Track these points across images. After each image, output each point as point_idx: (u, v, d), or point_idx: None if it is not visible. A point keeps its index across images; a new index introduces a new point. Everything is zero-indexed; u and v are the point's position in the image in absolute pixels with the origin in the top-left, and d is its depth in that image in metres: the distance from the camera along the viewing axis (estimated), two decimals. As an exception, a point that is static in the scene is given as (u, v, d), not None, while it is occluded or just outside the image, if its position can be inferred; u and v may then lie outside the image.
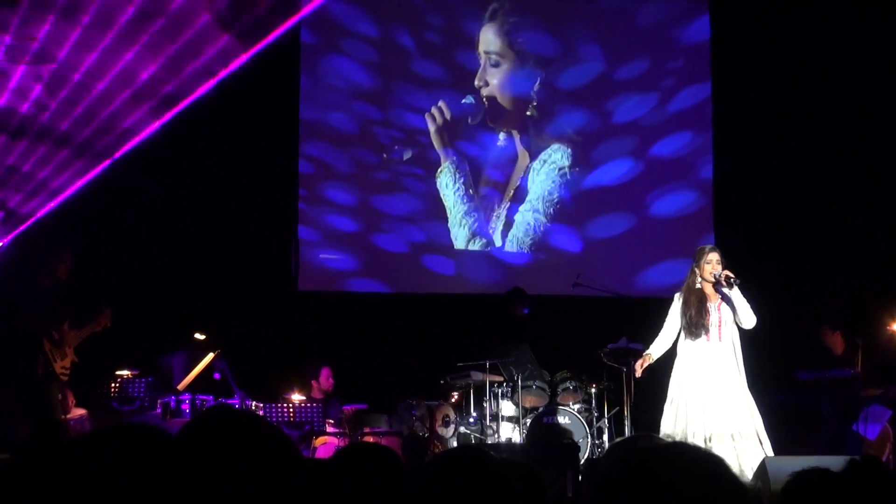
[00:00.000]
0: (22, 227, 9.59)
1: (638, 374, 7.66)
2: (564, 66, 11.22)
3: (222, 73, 9.67)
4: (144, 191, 9.88)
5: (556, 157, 11.16)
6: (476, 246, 10.97)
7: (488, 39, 11.13)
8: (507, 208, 11.06)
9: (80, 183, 9.63)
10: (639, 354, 8.88)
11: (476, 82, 11.07)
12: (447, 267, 10.94)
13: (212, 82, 9.66)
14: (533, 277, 10.65)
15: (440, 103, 10.93)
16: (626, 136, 11.23)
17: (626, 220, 11.19)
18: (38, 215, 9.62)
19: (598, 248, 11.09)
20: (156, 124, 9.66)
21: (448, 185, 10.91)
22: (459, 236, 10.94)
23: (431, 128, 10.91)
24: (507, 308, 9.93)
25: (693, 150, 11.20)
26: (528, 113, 11.16)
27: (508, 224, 11.04)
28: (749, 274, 7.49)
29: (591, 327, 9.75)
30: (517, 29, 11.14)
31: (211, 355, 8.69)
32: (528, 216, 11.08)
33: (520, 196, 11.08)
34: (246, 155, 10.34)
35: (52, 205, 9.60)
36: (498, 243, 10.99)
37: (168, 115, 9.67)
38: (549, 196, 11.09)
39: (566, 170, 11.13)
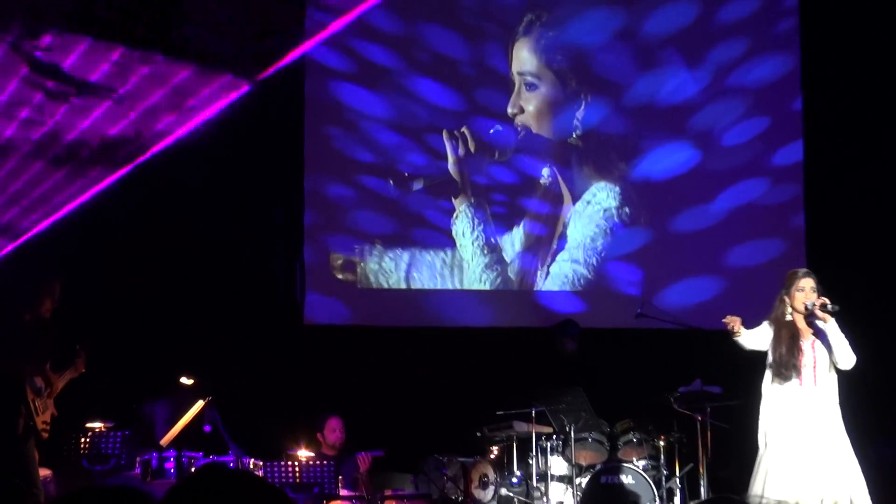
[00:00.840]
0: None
1: (736, 327, 7.40)
2: (615, 88, 11.18)
3: (227, 98, 10.23)
4: (126, 214, 10.14)
5: (601, 196, 11.15)
6: (512, 286, 11.03)
7: (522, 58, 11.15)
8: (550, 255, 11.06)
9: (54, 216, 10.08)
10: (717, 399, 8.86)
11: (509, 109, 11.10)
12: (476, 306, 11.01)
13: (215, 108, 10.20)
14: (587, 309, 10.71)
15: (463, 129, 11.00)
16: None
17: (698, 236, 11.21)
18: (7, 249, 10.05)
19: (667, 267, 11.06)
20: (155, 148, 10.19)
21: (465, 234, 10.99)
22: (486, 279, 11.01)
23: (451, 159, 10.98)
24: (555, 344, 9.94)
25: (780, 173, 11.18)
26: (570, 144, 11.15)
27: (551, 272, 11.05)
28: (843, 305, 7.37)
29: (659, 367, 9.77)
30: (556, 45, 11.13)
31: (200, 403, 8.69)
32: (566, 267, 11.05)
33: (562, 244, 11.08)
34: (242, 172, 10.58)
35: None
36: (539, 286, 11.05)
37: (160, 145, 10.22)
38: (591, 244, 11.07)
39: (613, 212, 11.09)
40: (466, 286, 10.97)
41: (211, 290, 10.46)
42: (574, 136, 11.15)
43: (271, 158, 10.73)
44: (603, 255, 11.05)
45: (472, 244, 10.97)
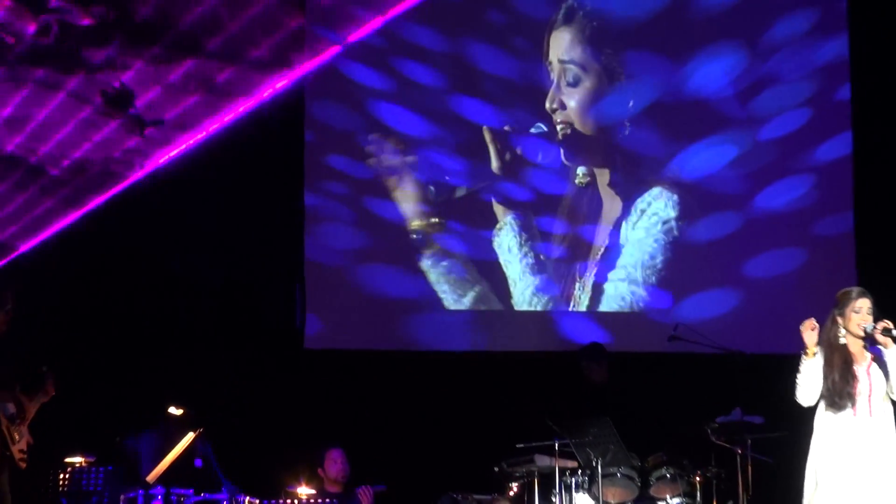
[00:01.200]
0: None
1: (812, 345, 7.23)
2: (669, 82, 11.12)
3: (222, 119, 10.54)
4: (113, 233, 10.30)
5: (659, 206, 11.09)
6: (540, 307, 11.00)
7: (561, 47, 11.05)
8: (593, 273, 11.00)
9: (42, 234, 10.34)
10: (759, 430, 8.78)
11: (548, 104, 11.00)
12: (500, 326, 11.01)
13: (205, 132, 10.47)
14: (617, 332, 10.71)
15: (506, 128, 10.96)
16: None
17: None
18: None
19: (691, 278, 11.06)
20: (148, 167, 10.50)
21: (512, 249, 10.92)
22: (520, 298, 10.99)
23: (495, 164, 10.91)
24: (580, 371, 9.84)
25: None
26: (618, 143, 11.08)
27: (596, 293, 11.02)
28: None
29: (694, 395, 9.79)
30: (603, 35, 11.07)
31: (191, 436, 8.67)
32: (623, 287, 11.01)
33: (609, 257, 11.02)
34: (240, 188, 10.63)
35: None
36: (580, 307, 11.02)
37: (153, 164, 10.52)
38: (650, 261, 11.02)
39: (672, 223, 11.04)
40: (517, 307, 10.95)
41: (202, 312, 10.46)
42: (624, 132, 11.08)
43: (269, 175, 10.76)
44: (663, 273, 11.00)
45: (520, 261, 10.94)
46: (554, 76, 11.02)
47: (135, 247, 10.39)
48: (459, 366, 10.70)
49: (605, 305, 10.98)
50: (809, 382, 7.25)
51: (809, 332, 7.14)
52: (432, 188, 10.94)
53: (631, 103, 11.06)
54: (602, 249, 11.05)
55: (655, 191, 11.08)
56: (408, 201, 10.90)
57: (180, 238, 10.45)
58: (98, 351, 9.99)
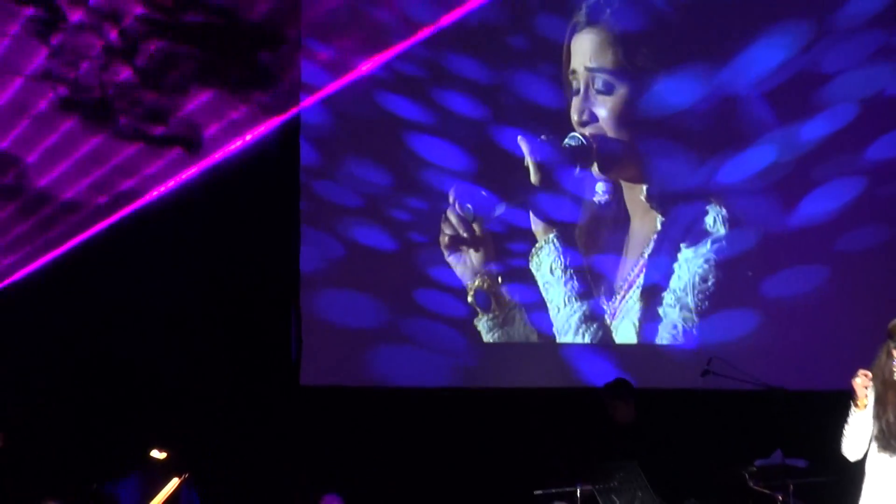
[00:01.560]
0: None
1: (863, 397, 7.09)
2: (714, 83, 10.97)
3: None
4: (91, 269, 10.45)
5: (709, 221, 10.97)
6: (580, 338, 10.95)
7: (587, 52, 10.90)
8: (633, 298, 10.94)
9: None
10: (802, 475, 8.95)
11: (575, 116, 10.88)
12: (518, 362, 10.94)
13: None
14: (644, 367, 10.63)
15: (542, 138, 10.88)
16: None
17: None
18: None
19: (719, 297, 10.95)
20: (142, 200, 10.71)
21: (554, 271, 10.87)
22: (562, 328, 10.94)
23: (534, 176, 10.81)
24: (606, 408, 9.74)
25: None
26: (656, 152, 10.94)
27: (640, 318, 10.95)
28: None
29: (730, 436, 9.81)
30: (633, 34, 10.93)
31: (175, 481, 8.73)
32: (674, 314, 10.92)
33: (650, 279, 10.93)
34: (232, 220, 10.79)
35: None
36: (615, 337, 10.97)
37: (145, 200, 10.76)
38: (701, 284, 10.90)
39: (723, 241, 10.91)
40: (561, 339, 10.89)
41: (188, 345, 10.44)
42: (661, 140, 10.94)
43: (265, 209, 10.87)
44: (717, 298, 10.88)
45: (563, 284, 10.89)
46: (579, 85, 10.90)
47: (114, 282, 10.47)
48: (472, 404, 10.66)
49: (641, 336, 10.90)
50: (858, 436, 7.15)
51: (861, 385, 7.01)
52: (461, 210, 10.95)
53: (670, 108, 10.93)
54: (640, 273, 10.98)
55: (700, 204, 10.96)
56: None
57: (166, 272, 10.54)
58: (75, 387, 10.05)
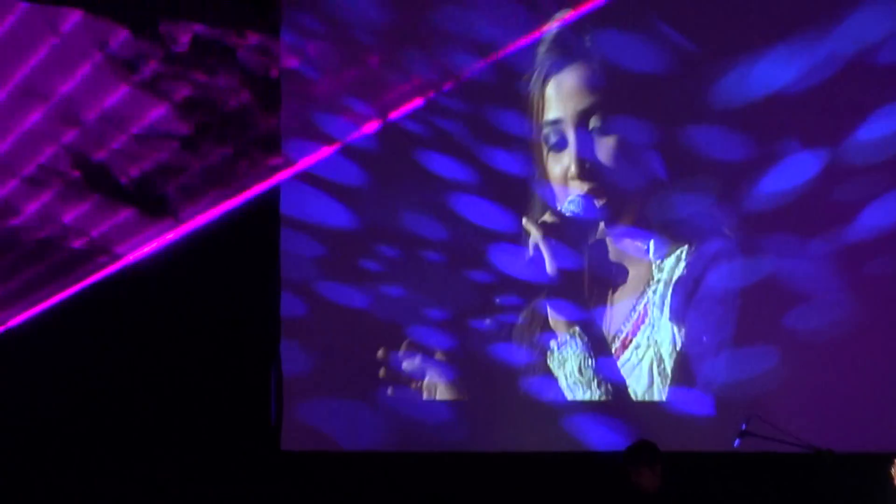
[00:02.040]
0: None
1: None
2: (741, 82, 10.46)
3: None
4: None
5: (723, 254, 10.63)
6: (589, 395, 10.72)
7: (574, 94, 10.52)
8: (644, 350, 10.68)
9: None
10: None
11: (574, 169, 10.53)
12: (530, 423, 10.67)
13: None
14: (669, 429, 10.33)
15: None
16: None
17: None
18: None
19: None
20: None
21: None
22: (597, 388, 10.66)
23: (535, 236, 10.41)
24: (629, 475, 9.37)
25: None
26: (666, 185, 10.60)
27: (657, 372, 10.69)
28: None
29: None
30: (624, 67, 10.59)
31: None
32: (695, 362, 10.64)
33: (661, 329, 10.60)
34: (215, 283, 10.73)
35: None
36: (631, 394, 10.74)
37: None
38: (716, 328, 10.51)
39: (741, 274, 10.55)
40: (573, 397, 10.58)
41: (158, 407, 10.38)
42: (671, 173, 10.53)
43: (248, 275, 10.79)
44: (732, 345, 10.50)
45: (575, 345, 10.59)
46: (567, 136, 10.53)
47: (84, 346, 10.44)
48: (473, 469, 10.47)
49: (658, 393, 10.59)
50: None
51: None
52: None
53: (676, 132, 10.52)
54: (657, 318, 10.60)
55: (717, 240, 10.55)
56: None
57: (140, 334, 10.50)
58: (41, 458, 10.07)
